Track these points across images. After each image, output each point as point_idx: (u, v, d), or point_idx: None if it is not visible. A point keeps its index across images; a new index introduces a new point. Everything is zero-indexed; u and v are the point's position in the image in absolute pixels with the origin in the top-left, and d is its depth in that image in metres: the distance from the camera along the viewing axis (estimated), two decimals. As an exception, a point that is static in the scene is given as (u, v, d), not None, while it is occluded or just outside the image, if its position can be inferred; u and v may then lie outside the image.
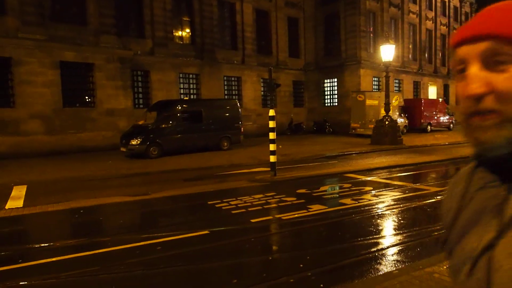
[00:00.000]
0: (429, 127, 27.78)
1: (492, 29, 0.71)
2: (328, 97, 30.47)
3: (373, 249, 5.06)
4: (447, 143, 19.50)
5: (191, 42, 23.63)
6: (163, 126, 15.77)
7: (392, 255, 4.91)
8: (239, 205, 7.55)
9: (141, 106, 20.83)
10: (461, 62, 0.75)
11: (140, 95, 21.37)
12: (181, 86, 23.08)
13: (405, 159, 13.60)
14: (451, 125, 30.29)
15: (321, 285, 3.93)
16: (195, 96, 23.43)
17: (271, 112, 10.71)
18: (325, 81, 30.29)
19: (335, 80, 29.56)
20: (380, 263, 4.60)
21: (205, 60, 23.58)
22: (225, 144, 17.46)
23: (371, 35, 29.86)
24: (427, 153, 15.60)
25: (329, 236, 5.88)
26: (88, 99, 18.63)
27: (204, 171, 11.98)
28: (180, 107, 16.52)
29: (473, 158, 0.82)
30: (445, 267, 3.96)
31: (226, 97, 24.57)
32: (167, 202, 8.31)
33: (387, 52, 18.17)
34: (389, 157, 14.47)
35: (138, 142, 14.89)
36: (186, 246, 5.37)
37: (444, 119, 29.67)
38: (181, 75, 22.93)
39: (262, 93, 27.12)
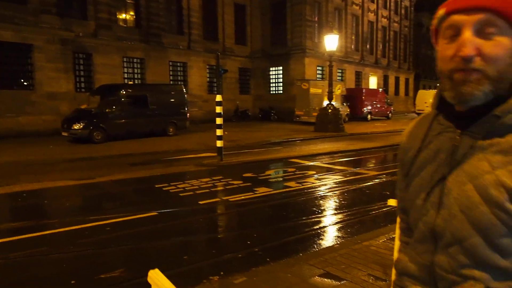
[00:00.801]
0: (369, 116, 29.22)
1: (490, 3, 0.86)
2: (274, 84, 31.01)
3: (316, 227, 5.40)
4: (385, 131, 20.70)
5: (136, 26, 23.00)
6: (107, 110, 15.40)
7: (333, 231, 5.29)
8: (186, 188, 7.66)
9: (83, 90, 20.09)
10: (452, 27, 0.90)
11: (83, 79, 20.58)
12: (126, 70, 22.49)
13: (346, 146, 14.31)
14: (390, 114, 32.09)
15: (268, 259, 4.18)
16: (140, 81, 22.93)
17: (218, 98, 10.79)
18: (271, 69, 30.76)
19: (281, 68, 30.11)
20: (322, 239, 4.95)
21: (151, 44, 23.08)
22: (171, 129, 17.34)
23: (316, 24, 30.62)
24: (367, 140, 16.52)
25: (275, 216, 6.17)
26: (26, 81, 17.68)
27: (150, 156, 11.91)
28: (125, 92, 16.14)
29: (433, 108, 1.00)
30: (380, 241, 4.37)
31: (171, 82, 24.26)
32: (114, 186, 8.26)
33: (331, 42, 18.79)
34: (332, 143, 15.12)
35: (81, 126, 14.50)
36: (136, 227, 5.43)
37: (383, 108, 31.31)
38: (125, 59, 22.32)
39: (208, 79, 27.06)
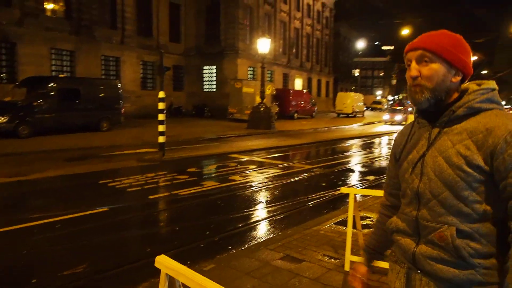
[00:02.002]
0: (296, 115, 30.90)
1: (422, 45, 1.31)
2: (208, 82, 31.44)
3: (268, 215, 5.99)
4: (312, 129, 22.34)
5: (67, 17, 22.00)
6: (35, 103, 14.67)
7: (283, 219, 5.83)
8: (133, 184, 7.63)
9: (5, 81, 18.87)
10: (408, 60, 1.35)
11: (5, 69, 19.29)
12: (54, 62, 21.44)
13: (279, 142, 15.37)
14: (314, 114, 34.23)
15: (229, 247, 4.58)
16: (69, 74, 21.96)
17: (161, 94, 11.10)
18: (205, 67, 31.14)
19: (215, 66, 30.64)
20: (275, 226, 5.50)
21: (82, 37, 22.25)
22: (105, 125, 17.02)
23: (248, 28, 31.70)
24: (297, 137, 17.79)
25: (227, 207, 6.51)
26: None
27: (86, 151, 11.65)
28: (55, 84, 15.48)
29: (416, 112, 1.43)
30: (327, 225, 5.07)
31: (103, 77, 23.59)
32: (54, 182, 7.96)
33: (264, 45, 19.83)
34: (265, 140, 16.08)
35: (5, 120, 13.65)
36: (87, 223, 5.39)
37: (308, 108, 33.28)
38: (53, 51, 21.28)
39: (142, 75, 26.78)
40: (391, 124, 28.57)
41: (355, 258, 3.66)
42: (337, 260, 3.97)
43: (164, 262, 1.79)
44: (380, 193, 3.60)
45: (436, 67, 1.29)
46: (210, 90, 31.29)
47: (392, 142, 1.57)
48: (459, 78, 1.32)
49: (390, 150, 1.58)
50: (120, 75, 24.85)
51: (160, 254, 1.74)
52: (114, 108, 17.53)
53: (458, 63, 1.30)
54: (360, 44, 51.93)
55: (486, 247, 1.22)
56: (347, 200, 6.75)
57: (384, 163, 11.60)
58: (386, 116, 30.59)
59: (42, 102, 14.89)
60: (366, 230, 4.60)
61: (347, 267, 3.72)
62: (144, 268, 3.99)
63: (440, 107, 1.32)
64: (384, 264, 2.83)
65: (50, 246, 4.62)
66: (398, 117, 28.96)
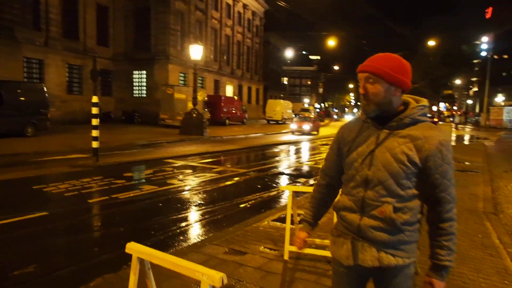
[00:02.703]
0: (227, 121, 31.45)
1: (367, 69, 1.67)
2: (138, 88, 30.83)
3: (209, 216, 6.28)
4: (243, 135, 22.95)
5: (-17, 16, 20.39)
6: None
7: (225, 218, 6.17)
8: (69, 189, 7.58)
9: None
10: (359, 78, 1.70)
11: None
12: (-32, 63, 19.74)
13: (213, 147, 15.70)
14: (245, 120, 35.02)
15: (176, 244, 4.86)
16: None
17: (94, 99, 10.93)
18: (135, 72, 30.53)
19: (145, 72, 30.17)
20: (218, 225, 5.78)
21: (2, 37, 20.73)
22: (30, 130, 16.13)
23: (179, 33, 31.65)
24: (230, 142, 18.25)
25: (168, 209, 6.68)
26: None
27: (12, 158, 11.05)
28: (-28, 87, 14.46)
29: (363, 115, 1.77)
30: (265, 222, 5.51)
31: (26, 80, 22.13)
32: None
33: (196, 52, 20.11)
34: (199, 145, 16.33)
35: None
36: (30, 227, 5.39)
37: (239, 114, 33.97)
38: (-33, 51, 19.60)
39: (68, 78, 25.61)
40: (299, 134, 25.37)
41: (293, 248, 4.14)
42: (277, 251, 4.42)
43: (134, 247, 2.10)
44: (309, 189, 4.28)
45: (379, 87, 1.67)
46: (140, 95, 30.70)
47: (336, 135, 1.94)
48: (398, 93, 1.71)
49: (333, 139, 1.96)
50: (45, 79, 23.46)
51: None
52: (40, 113, 16.69)
53: (396, 83, 1.68)
54: (289, 53, 54.06)
55: (412, 218, 1.68)
56: (282, 200, 7.40)
57: (310, 167, 12.43)
58: (293, 126, 26.02)
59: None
60: (300, 225, 5.13)
61: (286, 257, 4.17)
62: (95, 266, 4.16)
63: (386, 114, 1.71)
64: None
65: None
66: (307, 127, 25.52)
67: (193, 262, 3.78)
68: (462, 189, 8.15)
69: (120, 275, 3.74)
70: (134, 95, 30.79)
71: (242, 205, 7.08)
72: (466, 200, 7.33)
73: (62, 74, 25.11)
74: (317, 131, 27.81)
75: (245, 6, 45.58)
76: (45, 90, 17.55)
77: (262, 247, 4.57)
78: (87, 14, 26.87)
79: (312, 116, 29.48)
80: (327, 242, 4.43)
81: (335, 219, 3.53)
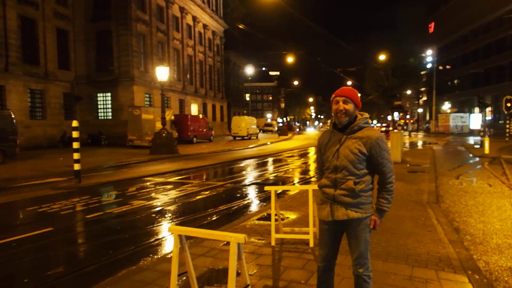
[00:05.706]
0: (194, 139, 32.14)
1: (345, 94, 2.78)
2: (102, 110, 31.03)
3: (202, 220, 7.20)
4: (212, 152, 23.86)
5: None
6: None
7: (214, 221, 7.13)
8: (62, 208, 8.09)
9: None
10: (337, 100, 2.79)
11: None
12: None
13: (185, 164, 16.47)
14: (212, 137, 35.85)
15: (165, 249, 5.66)
16: None
17: (74, 123, 11.56)
18: (99, 94, 30.77)
19: (109, 94, 30.48)
20: (211, 226, 6.73)
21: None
22: (-1, 157, 16.25)
23: (142, 55, 32.32)
24: (201, 159, 19.08)
25: (162, 217, 7.44)
26: None
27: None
28: None
29: (330, 127, 2.92)
30: (251, 222, 6.44)
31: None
32: None
33: (162, 73, 20.94)
34: (172, 163, 17.04)
35: None
36: (41, 240, 5.92)
37: (205, 132, 34.80)
38: None
39: (30, 103, 25.56)
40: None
41: (279, 236, 5.22)
42: (265, 240, 5.44)
43: (175, 228, 3.00)
44: (288, 188, 6.80)
45: (352, 105, 2.75)
46: (105, 117, 30.90)
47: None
48: (357, 109, 2.79)
49: (316, 147, 3.05)
50: (6, 105, 23.32)
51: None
52: (9, 139, 16.74)
53: (357, 103, 2.78)
54: (249, 70, 55.68)
55: (366, 187, 2.72)
56: (261, 204, 8.42)
57: (277, 177, 13.57)
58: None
59: None
60: (284, 221, 6.18)
61: (273, 243, 5.21)
62: (114, 263, 5.00)
63: (349, 123, 2.75)
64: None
65: (11, 260, 5.18)
66: None
67: (198, 253, 4.98)
68: (410, 185, 9.57)
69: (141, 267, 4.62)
70: (99, 117, 30.96)
71: (226, 211, 8.00)
72: (413, 194, 8.72)
73: (24, 99, 25.06)
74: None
75: (205, 26, 46.88)
76: (13, 116, 17.59)
77: (252, 238, 5.57)
78: (47, 38, 27.01)
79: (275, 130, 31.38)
80: (305, 229, 5.54)
81: (310, 213, 4.63)
